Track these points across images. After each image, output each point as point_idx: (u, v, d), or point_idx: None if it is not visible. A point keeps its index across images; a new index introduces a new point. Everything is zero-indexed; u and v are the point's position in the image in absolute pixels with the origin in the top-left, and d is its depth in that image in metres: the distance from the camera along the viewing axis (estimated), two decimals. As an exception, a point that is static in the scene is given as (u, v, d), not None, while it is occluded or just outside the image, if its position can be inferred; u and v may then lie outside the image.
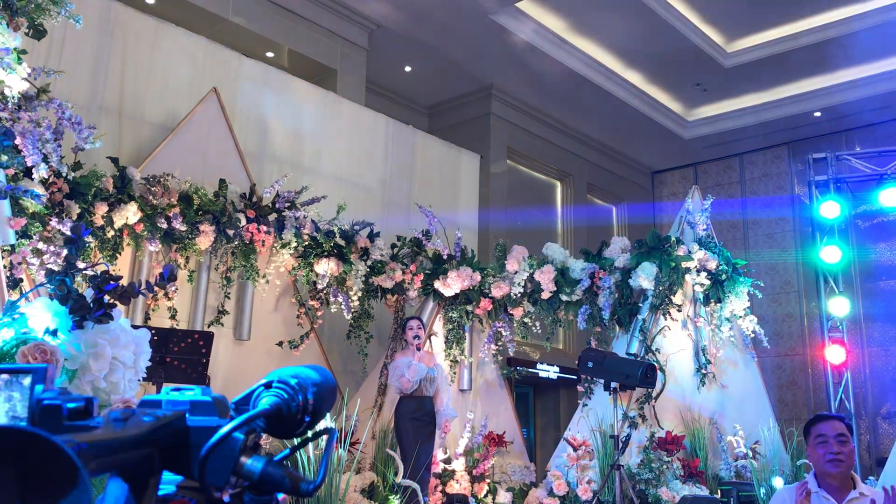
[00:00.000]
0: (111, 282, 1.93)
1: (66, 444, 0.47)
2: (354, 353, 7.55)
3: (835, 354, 7.99)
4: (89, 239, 5.72)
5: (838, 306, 8.04)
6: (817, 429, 3.10)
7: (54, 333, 1.93)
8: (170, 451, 0.66)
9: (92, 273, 2.01)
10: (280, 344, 7.12)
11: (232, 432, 0.67)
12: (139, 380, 2.08)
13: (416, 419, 6.21)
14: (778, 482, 6.26)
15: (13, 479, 0.46)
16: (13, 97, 3.53)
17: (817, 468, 3.08)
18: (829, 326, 8.13)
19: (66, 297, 1.91)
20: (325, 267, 7.29)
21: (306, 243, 7.27)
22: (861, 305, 10.76)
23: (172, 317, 6.47)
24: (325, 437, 0.74)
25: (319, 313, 7.42)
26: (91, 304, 1.91)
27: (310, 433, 0.75)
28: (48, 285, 2.07)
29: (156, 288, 2.08)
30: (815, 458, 3.08)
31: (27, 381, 0.64)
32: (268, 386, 0.75)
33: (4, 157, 2.69)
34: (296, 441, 0.77)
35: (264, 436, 0.77)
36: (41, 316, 1.98)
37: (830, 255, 8.14)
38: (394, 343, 7.67)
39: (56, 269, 4.89)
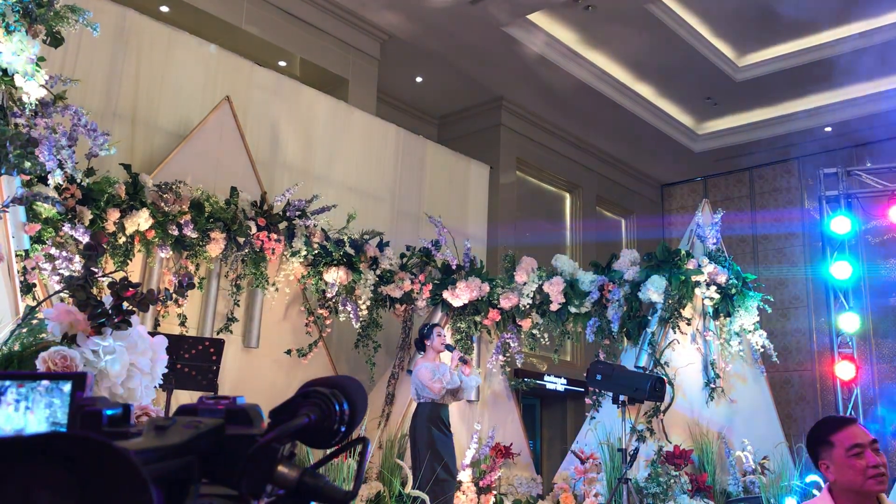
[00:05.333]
0: (130, 288, 1.95)
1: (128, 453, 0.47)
2: (362, 362, 7.55)
3: (844, 370, 7.95)
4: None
5: (848, 322, 8.00)
6: (846, 437, 2.41)
7: (73, 339, 1.94)
8: (208, 459, 0.67)
9: (110, 280, 2.03)
10: (289, 352, 7.13)
11: (271, 442, 0.68)
12: (155, 386, 2.10)
13: (439, 429, 6.14)
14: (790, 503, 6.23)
15: (73, 486, 0.46)
16: (31, 104, 3.56)
17: (852, 486, 2.39)
18: (838, 342, 8.10)
19: (86, 303, 1.92)
20: (335, 276, 7.30)
21: (316, 252, 7.29)
22: (871, 321, 10.72)
23: (182, 324, 6.49)
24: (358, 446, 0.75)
25: (328, 322, 7.43)
26: (110, 311, 1.92)
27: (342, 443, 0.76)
28: (65, 291, 2.08)
29: (174, 295, 2.09)
30: (849, 475, 2.38)
31: (67, 387, 0.65)
32: (305, 396, 0.75)
33: (28, 164, 2.71)
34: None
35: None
36: (59, 322, 1.99)
37: (841, 270, 8.11)
38: (402, 353, 7.67)
39: (68, 274, 4.91)
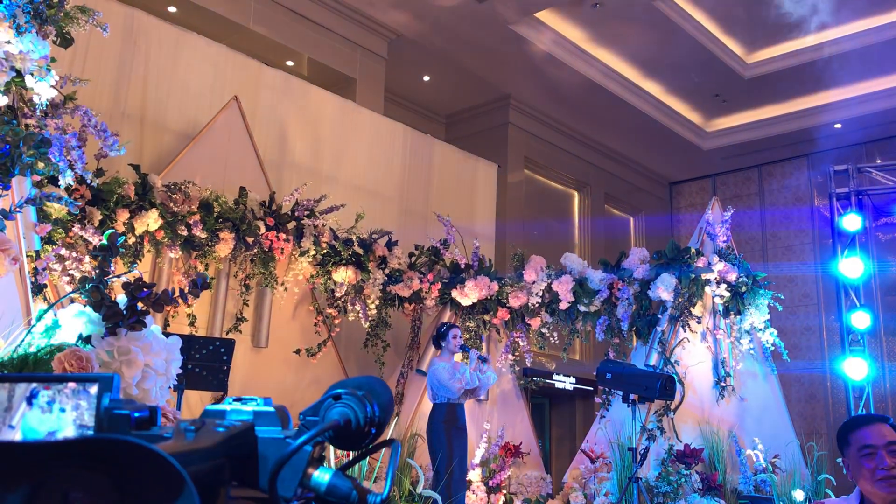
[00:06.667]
0: (144, 289, 1.94)
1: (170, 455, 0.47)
2: (371, 361, 7.55)
3: (855, 368, 7.90)
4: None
5: (859, 320, 7.95)
6: (861, 437, 2.36)
7: (87, 340, 1.94)
8: (238, 461, 0.66)
9: (124, 280, 2.03)
10: (297, 352, 7.13)
11: (303, 444, 0.67)
12: (170, 387, 2.09)
13: (456, 429, 6.15)
14: (799, 495, 6.21)
15: (111, 490, 0.46)
16: (41, 105, 3.56)
17: (864, 487, 2.36)
18: (849, 340, 8.05)
19: (100, 303, 1.92)
20: (343, 275, 7.30)
21: (325, 251, 7.29)
22: (882, 319, 10.67)
23: (192, 324, 6.49)
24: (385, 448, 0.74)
25: (337, 321, 7.43)
26: (124, 311, 1.92)
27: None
28: (80, 292, 2.08)
29: (188, 296, 2.09)
30: (860, 476, 2.35)
31: (94, 389, 0.65)
32: (336, 398, 0.74)
33: (41, 165, 2.71)
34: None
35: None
36: (74, 323, 1.99)
37: (851, 267, 8.07)
38: (410, 352, 7.67)
39: (79, 275, 4.92)
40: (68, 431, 0.64)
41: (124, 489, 0.46)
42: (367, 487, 0.69)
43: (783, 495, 6.38)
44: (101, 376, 0.65)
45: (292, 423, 0.73)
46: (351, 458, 0.78)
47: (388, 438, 0.76)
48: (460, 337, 6.49)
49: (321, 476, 0.68)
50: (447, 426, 6.07)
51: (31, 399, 0.65)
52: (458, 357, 6.49)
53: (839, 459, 2.56)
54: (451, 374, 6.12)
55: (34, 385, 0.65)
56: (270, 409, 0.71)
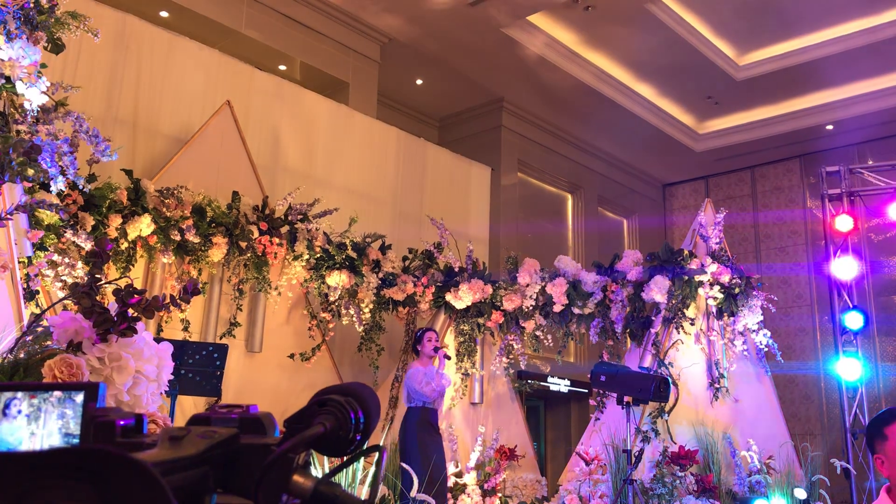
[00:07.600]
0: (135, 295, 1.94)
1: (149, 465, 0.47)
2: (366, 365, 7.54)
3: (849, 369, 7.93)
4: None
5: (852, 320, 7.98)
6: None
7: (78, 347, 1.94)
8: (223, 469, 0.66)
9: (115, 287, 2.03)
10: (292, 356, 7.12)
11: (287, 451, 0.67)
12: (161, 393, 2.09)
13: (428, 432, 6.18)
14: (800, 493, 6.22)
15: (96, 500, 0.46)
16: (32, 111, 3.55)
17: None
18: (842, 340, 8.08)
19: (91, 310, 1.92)
20: (337, 279, 7.29)
21: (318, 255, 7.28)
22: (875, 319, 10.71)
23: (185, 329, 6.48)
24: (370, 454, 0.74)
25: (331, 325, 7.42)
26: (115, 318, 1.92)
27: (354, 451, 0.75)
28: (70, 298, 2.08)
29: (179, 301, 2.09)
30: None
31: (80, 398, 0.65)
32: (321, 404, 0.74)
33: (31, 172, 2.71)
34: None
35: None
36: (64, 329, 1.99)
37: (844, 268, 8.10)
38: (405, 356, 7.66)
39: (71, 280, 4.91)
40: (53, 440, 0.64)
41: (107, 499, 0.46)
42: (353, 494, 0.69)
43: (778, 496, 6.39)
44: (86, 384, 0.65)
45: (278, 429, 0.74)
46: (337, 464, 0.78)
47: (373, 445, 0.76)
48: (435, 339, 6.48)
49: (306, 483, 0.69)
50: (419, 429, 6.11)
51: (6, 409, 0.65)
52: (436, 362, 6.52)
53: (867, 457, 2.41)
54: (423, 377, 6.16)
55: (18, 394, 0.65)
56: (256, 415, 0.71)
